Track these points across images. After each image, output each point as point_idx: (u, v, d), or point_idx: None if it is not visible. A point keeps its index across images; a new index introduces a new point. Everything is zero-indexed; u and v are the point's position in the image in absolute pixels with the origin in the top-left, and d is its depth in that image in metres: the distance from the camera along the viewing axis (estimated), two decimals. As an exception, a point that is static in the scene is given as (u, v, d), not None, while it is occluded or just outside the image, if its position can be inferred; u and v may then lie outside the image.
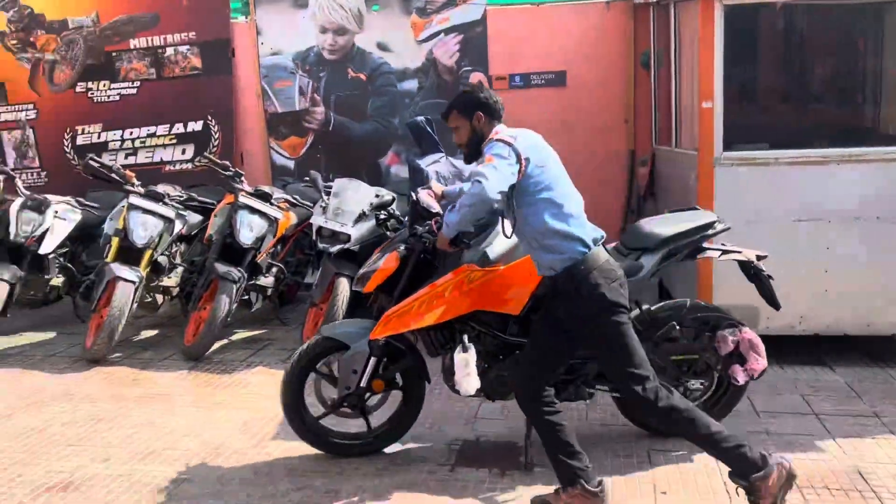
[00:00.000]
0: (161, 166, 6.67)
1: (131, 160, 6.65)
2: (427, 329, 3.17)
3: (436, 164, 4.95)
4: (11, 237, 5.32)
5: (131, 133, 6.73)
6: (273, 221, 5.15)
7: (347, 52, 6.43)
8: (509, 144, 2.71)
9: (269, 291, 5.35)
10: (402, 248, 3.22)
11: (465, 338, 3.09)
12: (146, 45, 6.60)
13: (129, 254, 5.06)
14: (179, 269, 5.47)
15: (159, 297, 5.47)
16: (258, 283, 5.20)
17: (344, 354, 3.26)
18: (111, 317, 4.71)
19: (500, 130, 2.84)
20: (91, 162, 5.27)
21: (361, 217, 4.85)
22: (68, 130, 6.83)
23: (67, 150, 6.85)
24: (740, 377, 3.23)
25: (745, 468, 2.69)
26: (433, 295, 3.08)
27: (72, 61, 6.73)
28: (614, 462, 3.28)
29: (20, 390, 4.42)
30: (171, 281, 5.37)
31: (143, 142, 6.73)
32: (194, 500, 3.05)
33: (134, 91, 6.69)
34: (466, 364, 3.00)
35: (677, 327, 3.23)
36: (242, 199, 5.04)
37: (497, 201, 2.73)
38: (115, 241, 5.06)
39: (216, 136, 6.62)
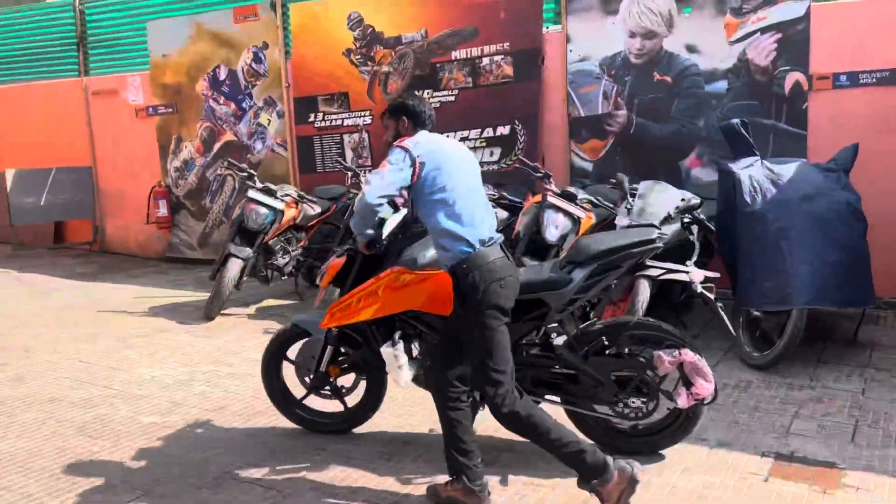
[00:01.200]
0: (471, 166, 7.31)
1: (445, 160, 7.37)
2: (370, 323, 3.36)
3: (749, 168, 4.82)
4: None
5: (447, 136, 7.44)
6: (577, 221, 5.41)
7: (654, 55, 6.47)
8: (405, 150, 2.95)
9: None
10: (346, 247, 3.49)
11: (397, 335, 3.30)
12: (466, 56, 7.28)
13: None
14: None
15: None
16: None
17: (305, 341, 3.65)
18: None
19: (416, 136, 3.06)
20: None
21: (667, 219, 4.89)
22: (395, 133, 7.77)
23: (393, 151, 7.80)
24: (681, 400, 3.15)
25: (586, 473, 2.85)
26: (368, 292, 3.26)
27: (402, 73, 7.65)
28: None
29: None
30: None
31: (457, 144, 7.43)
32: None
33: (452, 98, 7.41)
34: (395, 358, 3.22)
35: (605, 342, 3.24)
36: (550, 198, 5.37)
37: (378, 206, 2.96)
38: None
39: (522, 139, 7.09)
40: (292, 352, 3.80)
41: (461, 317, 2.98)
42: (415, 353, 3.34)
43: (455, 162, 3.05)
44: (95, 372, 4.94)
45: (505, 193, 6.06)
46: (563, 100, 6.88)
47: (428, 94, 7.49)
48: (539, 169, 5.67)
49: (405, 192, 3.02)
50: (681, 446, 3.43)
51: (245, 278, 6.49)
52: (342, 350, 3.66)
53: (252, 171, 6.93)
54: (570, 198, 5.48)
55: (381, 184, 2.94)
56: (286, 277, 6.90)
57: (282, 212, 6.61)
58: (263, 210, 6.50)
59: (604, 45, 6.66)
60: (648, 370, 3.22)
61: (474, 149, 7.31)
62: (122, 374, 4.91)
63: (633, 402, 3.26)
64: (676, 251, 4.98)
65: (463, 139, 7.36)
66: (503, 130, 7.17)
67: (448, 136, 3.42)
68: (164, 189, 9.14)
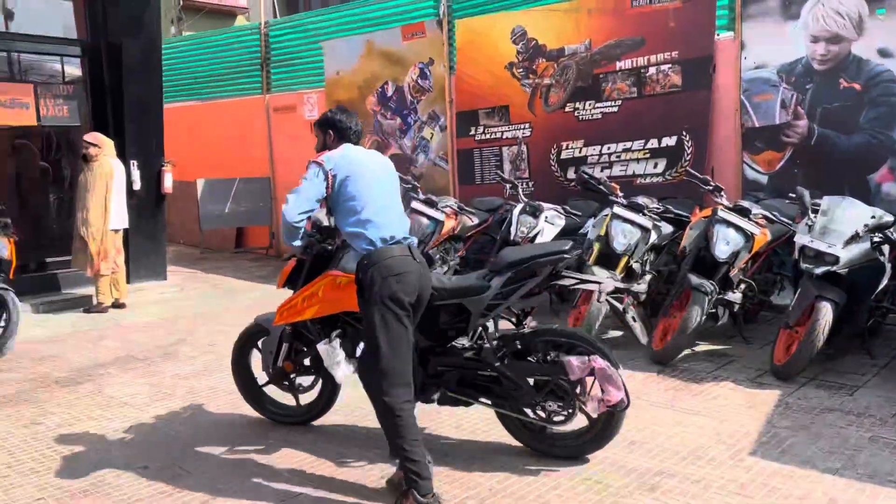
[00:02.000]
0: (633, 179, 7.12)
1: (606, 173, 7.23)
2: (317, 322, 3.64)
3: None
4: (511, 236, 6.28)
5: (609, 148, 7.33)
6: (749, 237, 5.10)
7: (841, 60, 5.98)
8: (319, 164, 3.21)
9: (736, 307, 5.31)
10: (292, 256, 3.74)
11: (334, 333, 3.57)
12: (630, 66, 7.11)
13: (608, 259, 5.54)
14: (648, 277, 5.77)
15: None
16: (727, 297, 5.21)
17: (265, 338, 3.94)
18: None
19: (337, 150, 3.31)
20: (583, 174, 5.93)
21: (854, 238, 4.51)
22: (555, 146, 7.75)
23: (552, 163, 7.78)
24: (590, 406, 3.28)
25: (409, 483, 3.03)
26: (310, 294, 3.51)
27: (564, 84, 7.61)
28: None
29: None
30: (641, 287, 5.70)
31: (619, 156, 7.27)
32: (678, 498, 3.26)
33: (615, 109, 7.27)
34: (331, 355, 3.52)
35: (519, 347, 3.42)
36: (721, 213, 5.11)
37: (299, 223, 3.22)
38: (596, 247, 5.58)
39: (689, 151, 6.80)
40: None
41: (361, 309, 3.17)
42: (359, 351, 3.46)
43: (368, 172, 3.27)
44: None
45: (670, 207, 5.84)
46: (736, 109, 6.53)
47: (590, 104, 7.40)
48: (709, 181, 5.42)
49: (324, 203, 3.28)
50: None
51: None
52: (297, 348, 3.90)
53: (416, 183, 7.18)
54: (743, 212, 5.19)
55: (299, 201, 3.19)
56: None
57: (442, 222, 6.78)
58: (425, 220, 6.70)
59: (782, 51, 6.26)
60: (562, 375, 3.32)
61: (637, 160, 7.13)
62: (293, 371, 5.23)
63: (551, 406, 3.40)
64: (865, 273, 4.58)
65: (625, 150, 7.19)
66: (669, 141, 6.92)
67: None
68: (333, 199, 9.66)
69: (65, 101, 7.69)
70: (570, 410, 3.37)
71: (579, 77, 7.48)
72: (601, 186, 5.71)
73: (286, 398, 4.14)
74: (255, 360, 4.14)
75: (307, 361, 3.92)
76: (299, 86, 10.13)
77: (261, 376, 4.10)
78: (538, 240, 6.20)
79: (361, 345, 3.40)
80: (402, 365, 3.11)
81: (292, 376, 3.97)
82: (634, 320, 3.59)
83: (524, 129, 7.99)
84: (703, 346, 5.45)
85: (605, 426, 3.42)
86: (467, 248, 7.20)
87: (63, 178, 8.69)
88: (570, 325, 5.30)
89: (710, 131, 6.71)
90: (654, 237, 5.55)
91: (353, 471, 3.53)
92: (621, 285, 3.51)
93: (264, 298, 7.70)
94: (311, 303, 3.52)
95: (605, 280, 3.61)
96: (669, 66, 6.87)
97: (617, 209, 5.50)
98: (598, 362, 3.27)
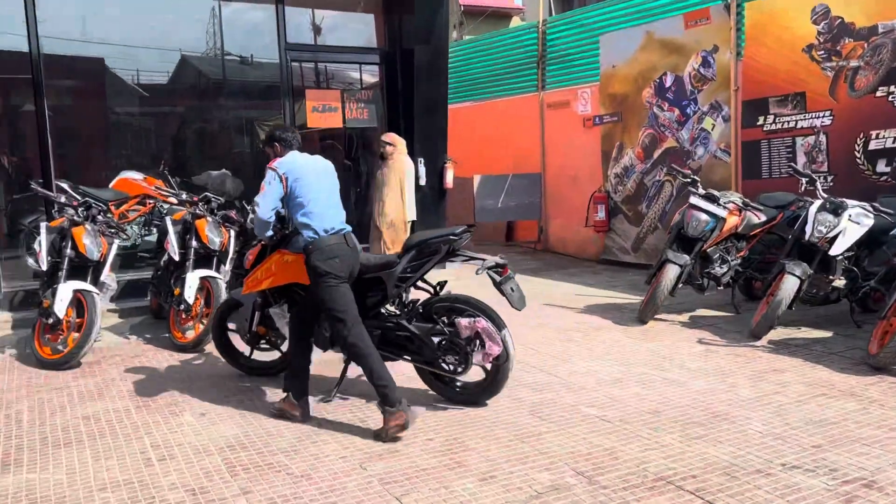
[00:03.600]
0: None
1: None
2: (274, 292, 4.54)
3: None
4: (806, 236, 5.69)
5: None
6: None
7: None
8: (273, 170, 4.07)
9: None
10: (259, 243, 4.57)
11: (283, 300, 4.55)
12: (966, 40, 6.04)
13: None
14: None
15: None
16: None
17: (238, 310, 4.89)
18: None
19: (288, 156, 4.19)
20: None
21: None
22: (861, 135, 6.86)
23: (858, 155, 6.90)
24: (475, 358, 4.15)
25: (385, 402, 3.92)
26: (266, 268, 4.39)
27: (876, 66, 6.70)
28: None
29: (808, 380, 4.75)
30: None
31: (946, 146, 6.22)
32: None
33: (943, 91, 6.24)
34: (279, 317, 4.62)
35: (421, 311, 4.34)
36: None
37: (269, 218, 4.09)
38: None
39: None
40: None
41: (312, 283, 4.12)
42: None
43: (312, 174, 4.17)
44: (541, 359, 5.42)
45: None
46: None
47: (908, 88, 6.43)
48: None
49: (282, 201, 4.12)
50: None
51: (680, 285, 6.42)
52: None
53: (695, 177, 6.82)
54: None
55: (267, 201, 4.06)
56: (722, 288, 6.65)
57: (723, 219, 6.37)
58: (704, 217, 6.35)
59: None
60: (455, 334, 4.15)
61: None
62: (565, 364, 5.29)
63: (450, 359, 4.25)
64: None
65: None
66: None
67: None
68: (604, 195, 9.58)
69: (365, 104, 8.57)
70: (465, 363, 4.22)
71: (895, 57, 6.53)
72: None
73: (262, 356, 5.09)
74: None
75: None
76: (573, 81, 10.17)
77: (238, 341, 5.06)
78: (839, 241, 5.57)
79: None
80: (353, 311, 4.10)
81: (266, 337, 4.90)
82: (513, 290, 4.23)
83: (823, 117, 7.20)
84: None
85: (496, 378, 4.29)
86: (750, 248, 6.69)
87: (360, 175, 9.71)
88: (878, 337, 4.78)
89: None
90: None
91: (627, 470, 3.48)
92: (500, 260, 4.27)
93: (533, 290, 7.88)
94: (267, 275, 4.42)
95: (487, 258, 4.30)
96: None
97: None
98: (482, 323, 4.11)
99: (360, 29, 9.19)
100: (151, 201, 7.92)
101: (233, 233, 6.36)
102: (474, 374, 4.35)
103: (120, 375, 5.22)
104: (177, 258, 6.06)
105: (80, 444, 3.98)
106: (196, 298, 5.88)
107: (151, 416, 4.37)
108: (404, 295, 4.50)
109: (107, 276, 5.87)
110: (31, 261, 6.72)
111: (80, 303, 5.51)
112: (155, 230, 7.82)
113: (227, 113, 9.54)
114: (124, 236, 6.39)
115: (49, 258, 5.66)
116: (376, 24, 8.84)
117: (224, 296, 5.75)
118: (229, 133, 9.62)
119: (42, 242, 5.68)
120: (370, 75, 9.37)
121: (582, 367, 5.21)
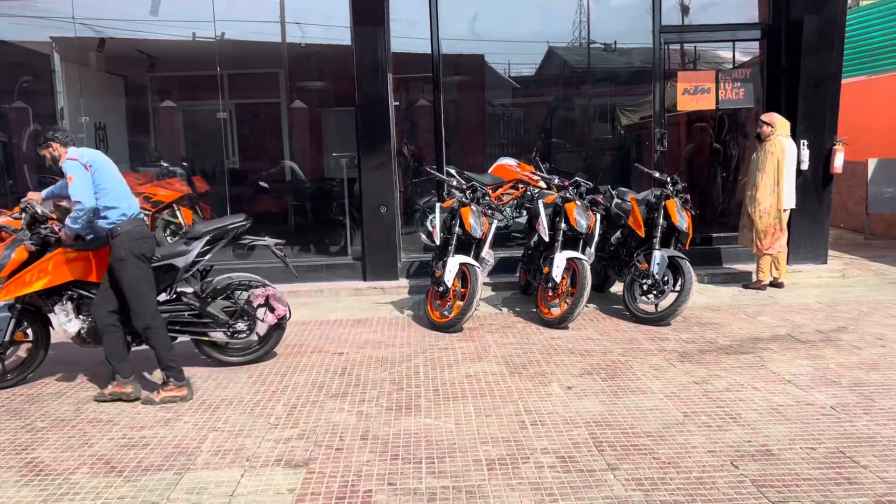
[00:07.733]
0: None
1: None
2: (41, 293, 4.76)
3: None
4: None
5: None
6: None
7: None
8: (74, 160, 4.40)
9: None
10: (30, 243, 4.70)
11: (65, 298, 4.80)
12: None
13: None
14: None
15: None
16: None
17: None
18: None
19: (69, 151, 4.47)
20: None
21: None
22: None
23: None
24: (268, 318, 5.09)
25: (168, 374, 4.55)
26: (40, 269, 4.66)
27: None
28: None
29: None
30: None
31: None
32: None
33: None
34: (65, 316, 4.82)
35: (219, 288, 5.10)
36: None
37: (95, 203, 4.43)
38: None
39: None
40: None
41: (116, 263, 4.48)
42: (81, 314, 4.85)
43: (105, 163, 4.54)
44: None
45: None
46: None
47: None
48: None
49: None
50: None
51: None
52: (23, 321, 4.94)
53: None
54: None
55: (85, 188, 4.36)
56: None
57: None
58: None
59: None
60: (247, 304, 5.11)
61: None
62: None
63: (240, 326, 5.12)
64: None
65: None
66: None
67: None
68: None
69: (742, 83, 8.02)
70: (253, 326, 5.11)
71: None
72: None
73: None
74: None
75: (30, 331, 5.00)
76: None
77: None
78: None
79: (95, 305, 4.66)
80: (154, 298, 4.65)
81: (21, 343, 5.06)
82: (286, 257, 5.34)
83: None
84: None
85: (275, 337, 5.31)
86: None
87: (731, 158, 9.16)
88: None
89: None
90: None
91: None
92: (278, 241, 5.21)
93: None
94: (40, 276, 4.63)
95: (269, 239, 5.17)
96: None
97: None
98: (270, 290, 5.16)
99: (736, 4, 8.65)
100: (523, 185, 8.51)
101: (598, 216, 6.51)
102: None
103: (495, 342, 5.73)
104: (546, 239, 6.40)
105: (464, 399, 4.48)
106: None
107: (523, 384, 4.72)
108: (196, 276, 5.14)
109: (487, 252, 6.46)
110: (423, 236, 7.74)
111: (464, 275, 6.16)
112: (525, 212, 8.40)
113: (591, 100, 9.78)
114: (501, 217, 6.97)
115: (441, 234, 6.43)
116: (760, -2, 8.22)
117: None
118: (593, 120, 9.85)
119: (437, 220, 6.47)
120: (743, 53, 8.76)
121: None
